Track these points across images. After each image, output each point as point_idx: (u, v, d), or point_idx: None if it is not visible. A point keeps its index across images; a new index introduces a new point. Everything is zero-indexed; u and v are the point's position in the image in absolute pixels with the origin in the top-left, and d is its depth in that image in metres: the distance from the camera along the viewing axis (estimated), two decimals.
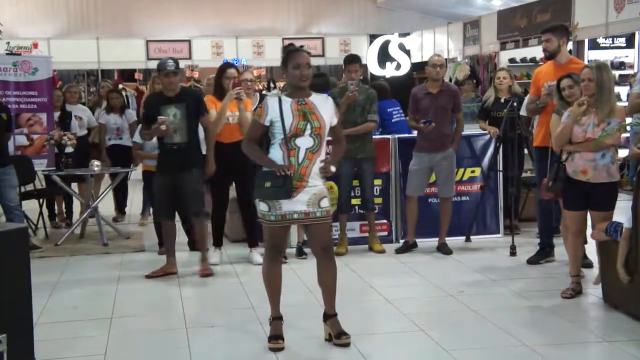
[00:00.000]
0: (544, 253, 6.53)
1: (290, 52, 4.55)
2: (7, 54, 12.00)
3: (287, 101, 4.47)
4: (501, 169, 7.53)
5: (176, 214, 6.63)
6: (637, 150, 5.59)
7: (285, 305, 4.77)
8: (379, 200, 7.43)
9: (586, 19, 11.31)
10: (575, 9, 11.49)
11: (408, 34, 18.25)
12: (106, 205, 8.98)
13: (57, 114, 8.73)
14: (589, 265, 6.07)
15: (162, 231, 6.85)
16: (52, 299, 5.78)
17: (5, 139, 7.18)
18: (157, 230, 7.23)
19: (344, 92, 6.81)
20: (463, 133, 7.58)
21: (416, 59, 17.63)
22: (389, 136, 7.58)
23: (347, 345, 4.49)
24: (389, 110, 8.18)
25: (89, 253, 7.45)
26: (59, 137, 8.03)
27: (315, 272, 4.64)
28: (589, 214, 5.45)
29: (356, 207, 7.37)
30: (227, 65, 6.88)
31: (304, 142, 4.44)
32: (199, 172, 6.40)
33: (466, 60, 15.31)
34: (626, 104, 6.99)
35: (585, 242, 5.89)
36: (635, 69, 12.26)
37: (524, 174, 7.88)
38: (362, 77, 7.23)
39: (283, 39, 18.14)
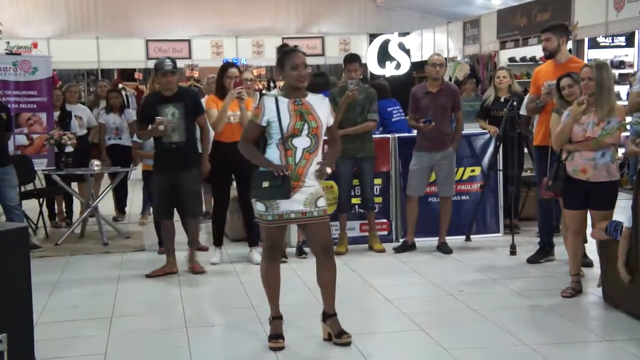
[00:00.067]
0: (544, 252, 6.53)
1: (286, 52, 4.55)
2: (7, 53, 12.01)
3: (283, 101, 4.47)
4: (501, 168, 7.54)
5: (175, 213, 6.63)
6: (634, 148, 5.59)
7: (285, 304, 4.77)
8: (379, 200, 7.43)
9: (586, 18, 11.32)
10: (575, 8, 11.49)
11: (408, 33, 18.25)
12: (106, 204, 8.99)
13: (56, 114, 8.74)
14: (589, 264, 6.07)
15: (161, 231, 6.86)
16: (52, 299, 5.78)
17: (5, 138, 7.17)
18: (157, 229, 7.23)
19: (344, 91, 6.80)
20: (463, 132, 7.59)
21: (416, 58, 17.64)
22: (388, 135, 7.58)
23: (348, 344, 4.49)
24: (389, 109, 8.17)
25: (89, 252, 7.45)
26: (59, 136, 8.03)
27: (315, 271, 4.64)
28: (589, 213, 5.45)
29: (356, 206, 7.37)
30: (228, 65, 6.89)
31: (301, 142, 4.44)
32: (197, 171, 6.44)
33: (466, 60, 15.31)
34: (626, 103, 7.00)
35: (585, 241, 5.89)
36: (635, 68, 12.25)
37: (524, 173, 7.89)
38: (361, 77, 7.22)
39: (283, 38, 18.11)
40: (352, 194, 7.27)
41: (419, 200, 7.14)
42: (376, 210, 7.31)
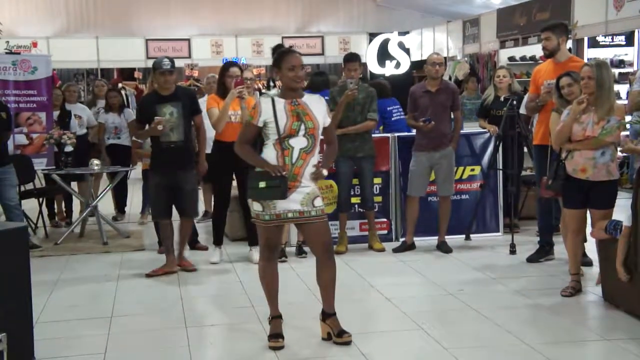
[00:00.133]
0: (544, 251, 6.53)
1: (283, 53, 4.55)
2: (6, 53, 12.01)
3: (280, 102, 4.47)
4: (501, 167, 7.54)
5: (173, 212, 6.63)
6: (631, 146, 5.59)
7: (285, 304, 4.78)
8: (378, 199, 7.42)
9: (586, 17, 11.32)
10: (575, 7, 11.50)
11: (407, 33, 18.26)
12: (106, 204, 8.99)
13: (56, 113, 8.73)
14: (589, 263, 6.07)
15: (160, 230, 6.86)
16: (52, 298, 5.78)
17: (4, 138, 7.17)
18: (157, 229, 7.22)
19: (344, 90, 6.80)
20: (463, 131, 7.59)
21: (416, 57, 17.65)
22: (388, 135, 7.58)
23: (348, 343, 4.49)
24: (388, 108, 8.18)
25: (88, 252, 7.45)
26: (59, 136, 8.03)
27: (315, 271, 4.63)
28: (588, 212, 5.45)
29: (356, 205, 7.37)
30: (229, 64, 6.89)
31: (298, 143, 4.44)
32: (194, 171, 6.48)
33: (466, 59, 15.32)
34: (626, 102, 7.00)
35: (585, 241, 5.89)
36: (635, 67, 12.26)
37: (523, 172, 7.88)
38: (361, 76, 7.22)
39: (283, 37, 18.15)
40: (352, 193, 7.27)
41: (419, 199, 7.13)
42: (376, 210, 7.31)
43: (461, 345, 4.51)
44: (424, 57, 14.90)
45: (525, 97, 6.94)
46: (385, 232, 7.48)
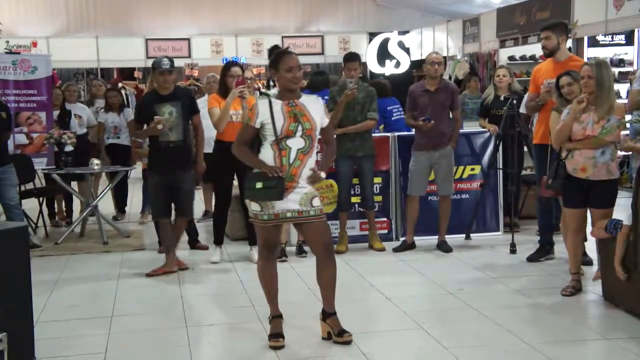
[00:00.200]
0: (544, 251, 6.53)
1: (280, 54, 4.56)
2: (6, 52, 12.01)
3: (277, 103, 4.48)
4: (501, 166, 7.54)
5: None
6: (630, 144, 5.59)
7: (286, 303, 4.78)
8: (378, 198, 7.43)
9: (585, 16, 11.32)
10: (575, 6, 11.50)
11: (407, 32, 18.26)
12: (106, 203, 8.99)
13: (56, 113, 8.73)
14: (589, 262, 6.08)
15: (160, 230, 6.86)
16: (53, 298, 5.78)
17: (4, 137, 7.17)
18: (157, 228, 7.23)
19: (344, 90, 6.80)
20: (463, 131, 7.59)
21: (416, 56, 17.66)
22: (388, 134, 7.59)
23: (348, 343, 4.49)
24: (388, 108, 8.19)
25: (89, 252, 7.45)
26: (59, 135, 8.03)
27: (315, 270, 4.64)
28: (588, 211, 5.46)
29: (356, 205, 7.37)
30: (231, 64, 6.90)
31: (296, 143, 4.45)
32: (192, 171, 6.52)
33: (466, 58, 15.32)
34: (626, 101, 6.99)
35: (585, 240, 5.89)
36: (635, 66, 12.26)
37: (523, 172, 7.89)
38: (361, 75, 7.22)
39: (282, 37, 18.16)
40: (352, 192, 7.27)
41: (419, 199, 7.13)
42: (376, 209, 7.31)
43: (461, 345, 4.51)
44: (424, 57, 14.92)
45: (525, 97, 6.94)
46: (385, 231, 7.48)
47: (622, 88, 11.41)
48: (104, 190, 8.46)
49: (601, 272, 5.36)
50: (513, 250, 6.82)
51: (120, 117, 8.95)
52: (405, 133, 7.58)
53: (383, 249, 7.10)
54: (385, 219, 7.51)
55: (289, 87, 4.51)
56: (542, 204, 6.42)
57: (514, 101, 7.03)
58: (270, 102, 4.47)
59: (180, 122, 6.35)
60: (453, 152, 7.07)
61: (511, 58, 13.91)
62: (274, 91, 5.81)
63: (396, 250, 7.06)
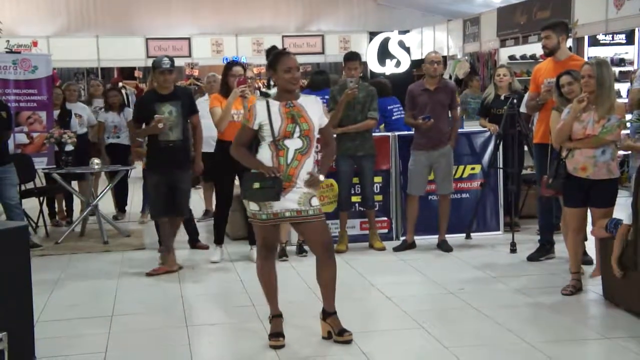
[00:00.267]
0: (544, 250, 6.53)
1: (279, 55, 4.56)
2: (6, 52, 12.00)
3: (274, 104, 4.48)
4: (501, 166, 7.53)
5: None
6: (630, 142, 5.59)
7: (286, 302, 4.78)
8: (379, 198, 7.42)
9: (586, 15, 11.32)
10: (575, 5, 11.49)
11: (408, 32, 18.26)
12: (106, 203, 9.00)
13: (57, 112, 8.73)
14: (589, 262, 6.07)
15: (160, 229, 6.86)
16: (53, 297, 5.78)
17: (5, 137, 7.17)
18: (158, 228, 7.22)
19: (344, 89, 6.80)
20: (463, 130, 7.58)
21: (416, 56, 17.64)
22: (389, 133, 7.59)
23: (349, 342, 4.49)
24: (389, 107, 8.19)
25: (89, 251, 7.45)
26: (59, 135, 8.03)
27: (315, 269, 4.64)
28: (589, 210, 5.46)
29: (356, 204, 7.37)
30: (233, 63, 6.91)
31: (293, 144, 4.45)
32: (190, 170, 6.56)
33: (466, 58, 15.32)
34: (626, 100, 7.00)
35: (586, 239, 5.89)
36: (636, 66, 12.25)
37: (524, 171, 7.89)
38: (361, 75, 7.21)
39: (283, 36, 18.16)
40: (352, 192, 7.27)
41: (419, 198, 7.14)
42: (376, 209, 7.31)
43: (462, 344, 4.51)
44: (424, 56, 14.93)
45: (526, 96, 6.94)
46: (385, 231, 7.48)
47: (623, 87, 11.40)
48: (104, 190, 8.47)
49: (601, 271, 5.36)
50: (513, 250, 6.82)
51: (121, 117, 8.94)
52: (406, 132, 7.57)
53: (383, 249, 7.10)
54: (385, 219, 7.51)
55: (288, 87, 4.51)
56: (542, 203, 6.42)
57: (515, 100, 7.03)
58: (267, 104, 4.47)
59: (180, 122, 6.37)
60: (452, 152, 7.07)
61: (511, 57, 13.90)
62: (274, 91, 5.81)
63: (396, 249, 7.06)
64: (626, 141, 5.58)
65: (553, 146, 5.69)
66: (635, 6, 10.20)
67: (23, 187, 8.44)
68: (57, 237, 7.92)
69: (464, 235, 7.41)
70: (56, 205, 9.04)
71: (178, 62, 7.29)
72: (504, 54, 14.05)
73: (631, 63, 12.55)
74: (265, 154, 4.48)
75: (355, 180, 7.16)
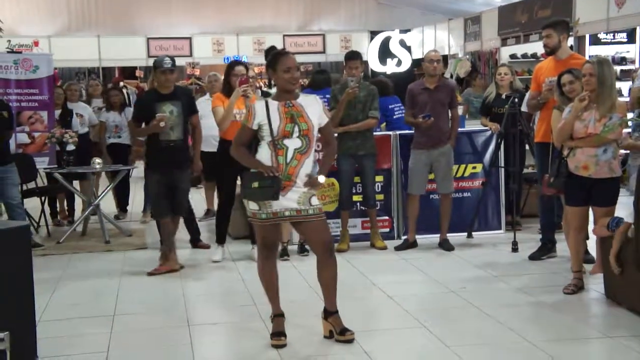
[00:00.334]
0: (546, 249, 6.53)
1: (278, 55, 4.56)
2: (8, 52, 12.03)
3: (273, 104, 4.48)
4: (502, 165, 7.53)
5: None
6: (631, 141, 5.59)
7: (287, 302, 4.78)
8: (380, 197, 7.42)
9: (587, 14, 11.30)
10: (576, 4, 11.48)
11: (409, 30, 18.24)
12: (108, 202, 9.00)
13: (58, 112, 8.74)
14: (591, 261, 6.06)
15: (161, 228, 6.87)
16: (55, 297, 5.79)
17: (6, 136, 7.18)
18: (159, 227, 7.22)
19: (345, 88, 6.80)
20: (464, 129, 7.58)
21: (417, 55, 17.62)
22: (390, 132, 7.59)
23: (351, 341, 4.49)
24: (390, 106, 8.19)
25: (91, 250, 7.46)
26: (61, 134, 8.04)
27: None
28: (590, 209, 5.45)
29: (357, 203, 7.37)
30: (235, 63, 6.92)
31: (292, 143, 4.45)
32: (189, 170, 6.59)
33: (467, 57, 15.31)
34: (628, 99, 6.99)
35: (587, 238, 5.89)
36: (637, 64, 12.24)
37: (525, 170, 7.88)
38: (362, 74, 7.21)
39: (284, 35, 18.16)
40: (354, 191, 7.27)
41: (420, 197, 7.14)
42: (378, 208, 7.31)
43: (463, 343, 4.51)
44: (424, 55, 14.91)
45: (527, 95, 6.94)
46: (387, 230, 7.48)
47: (624, 86, 11.39)
48: (104, 190, 8.47)
49: (603, 270, 5.35)
50: (515, 249, 6.82)
51: (122, 117, 8.94)
52: (407, 132, 7.56)
53: (385, 248, 7.10)
54: (386, 218, 7.51)
55: (287, 87, 4.51)
56: (543, 202, 6.42)
57: (516, 99, 7.03)
58: (267, 103, 4.48)
59: (180, 122, 6.39)
60: (452, 151, 7.07)
61: (513, 56, 13.89)
62: (274, 90, 5.81)
63: (398, 248, 7.06)
64: (627, 140, 5.58)
65: (554, 145, 5.69)
66: (636, 4, 10.19)
67: (25, 187, 8.44)
68: (58, 237, 7.93)
69: (466, 234, 7.41)
70: (58, 204, 9.05)
71: (179, 62, 7.30)
72: (505, 53, 14.03)
73: (632, 62, 12.53)
74: (264, 154, 4.48)
75: (357, 179, 7.16)
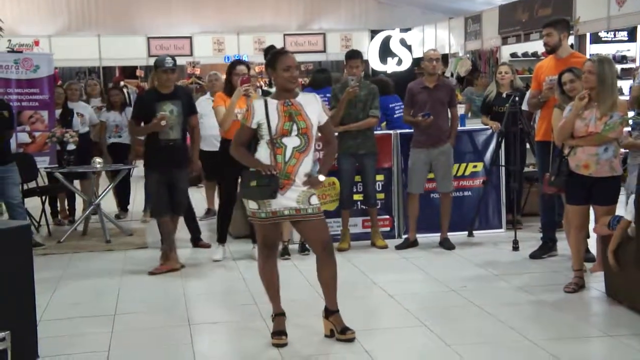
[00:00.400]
0: (547, 247, 6.53)
1: (277, 54, 4.56)
2: (8, 51, 12.00)
3: (272, 103, 4.48)
4: (503, 163, 7.53)
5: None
6: (631, 140, 5.59)
7: (288, 301, 4.78)
8: (381, 196, 7.42)
9: (588, 12, 11.30)
10: (577, 2, 11.48)
11: (409, 29, 18.25)
12: (108, 202, 9.00)
13: (58, 111, 8.74)
14: (592, 259, 6.06)
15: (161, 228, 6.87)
16: (55, 296, 5.79)
17: (7, 136, 7.18)
18: (160, 226, 7.23)
19: (345, 87, 6.80)
20: (465, 128, 7.57)
21: (418, 54, 17.61)
22: (390, 132, 7.58)
23: (351, 340, 4.49)
24: (391, 105, 8.18)
25: (91, 250, 7.46)
26: (61, 134, 8.04)
27: None
28: (591, 208, 5.45)
29: (358, 202, 7.37)
30: (237, 62, 6.92)
31: (291, 142, 4.45)
32: (188, 169, 6.61)
33: (468, 56, 15.30)
34: (628, 97, 6.99)
35: (588, 237, 5.89)
36: (638, 63, 12.23)
37: (526, 169, 7.88)
38: (362, 73, 7.20)
39: (284, 35, 18.16)
40: (354, 190, 7.27)
41: (420, 196, 7.14)
42: (378, 207, 7.31)
43: (464, 342, 4.51)
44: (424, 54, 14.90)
45: (527, 94, 6.94)
46: (387, 229, 7.48)
47: (625, 84, 11.39)
48: (105, 189, 8.47)
49: (604, 269, 5.35)
50: (516, 248, 6.81)
51: (122, 116, 8.94)
52: (407, 130, 7.55)
53: (385, 247, 7.10)
54: (387, 217, 7.51)
55: (287, 86, 4.51)
56: (544, 201, 6.42)
57: (516, 98, 7.03)
58: (266, 102, 4.48)
59: (180, 121, 6.41)
60: (452, 149, 7.06)
61: (513, 55, 13.89)
62: (275, 89, 5.81)
63: (398, 247, 7.06)
64: (627, 139, 5.58)
65: (555, 144, 5.69)
66: (637, 3, 10.18)
67: (25, 186, 8.44)
68: (59, 236, 7.93)
69: (466, 233, 7.41)
70: (58, 204, 9.05)
71: (180, 61, 7.31)
72: (505, 52, 14.03)
73: (633, 60, 12.53)
74: (263, 153, 4.48)
75: (357, 178, 7.16)
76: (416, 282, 6.00)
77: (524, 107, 7.02)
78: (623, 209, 5.16)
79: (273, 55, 4.57)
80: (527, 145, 7.33)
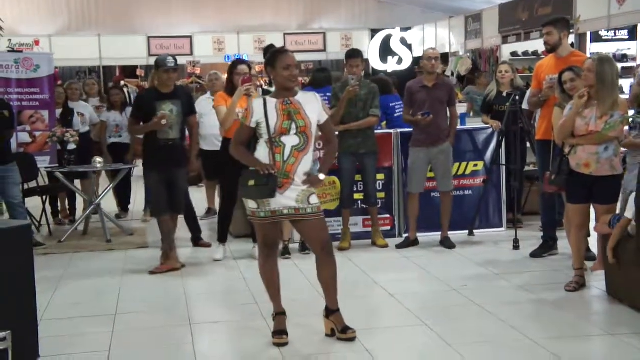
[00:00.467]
0: (547, 246, 6.53)
1: (277, 53, 4.56)
2: (8, 51, 12.00)
3: (271, 102, 4.48)
4: (504, 162, 7.53)
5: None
6: (631, 140, 5.59)
7: (289, 300, 4.78)
8: (381, 195, 7.42)
9: (588, 11, 11.29)
10: (577, 1, 11.47)
11: (409, 28, 18.24)
12: (109, 201, 9.00)
13: (59, 111, 8.74)
14: (593, 258, 6.06)
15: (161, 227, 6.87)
16: (56, 296, 5.79)
17: (7, 136, 7.18)
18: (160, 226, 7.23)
19: (346, 87, 6.80)
20: (465, 127, 7.57)
21: (418, 53, 17.60)
22: (391, 131, 7.58)
23: (352, 339, 4.49)
24: (391, 104, 8.18)
25: (92, 250, 7.47)
26: (62, 134, 8.04)
27: None
28: (592, 207, 5.45)
29: (359, 201, 7.37)
30: (238, 62, 6.93)
31: (290, 140, 4.44)
32: (186, 169, 6.63)
33: (468, 55, 15.30)
34: (628, 96, 6.98)
35: (589, 236, 5.89)
36: (638, 61, 12.22)
37: (526, 168, 7.87)
38: (363, 72, 7.20)
39: (285, 34, 18.16)
40: (355, 189, 7.27)
41: (421, 195, 7.14)
42: (379, 206, 7.31)
43: (465, 341, 4.51)
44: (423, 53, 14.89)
45: (528, 93, 6.94)
46: (388, 228, 7.48)
47: (626, 83, 11.37)
48: (105, 189, 8.47)
49: (604, 267, 5.35)
50: (516, 246, 6.81)
51: (123, 116, 8.93)
52: (408, 130, 7.54)
53: (386, 246, 7.10)
54: (388, 216, 7.51)
55: (287, 85, 4.51)
56: (545, 199, 6.42)
57: (517, 97, 7.03)
58: (265, 101, 4.48)
59: (179, 121, 6.42)
60: (451, 148, 7.06)
61: (513, 54, 13.88)
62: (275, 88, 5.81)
63: (399, 246, 7.06)
64: (627, 138, 5.57)
65: (555, 142, 5.68)
66: (637, 2, 10.18)
67: (26, 186, 8.44)
68: (60, 236, 7.93)
69: (467, 232, 7.41)
70: (59, 203, 9.05)
71: (180, 61, 7.31)
72: (506, 51, 14.02)
73: (634, 59, 12.52)
74: (262, 152, 4.48)
75: (358, 177, 7.17)
76: (417, 281, 6.00)
77: (525, 106, 7.02)
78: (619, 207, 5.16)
79: (273, 54, 4.57)
80: (528, 144, 7.34)
